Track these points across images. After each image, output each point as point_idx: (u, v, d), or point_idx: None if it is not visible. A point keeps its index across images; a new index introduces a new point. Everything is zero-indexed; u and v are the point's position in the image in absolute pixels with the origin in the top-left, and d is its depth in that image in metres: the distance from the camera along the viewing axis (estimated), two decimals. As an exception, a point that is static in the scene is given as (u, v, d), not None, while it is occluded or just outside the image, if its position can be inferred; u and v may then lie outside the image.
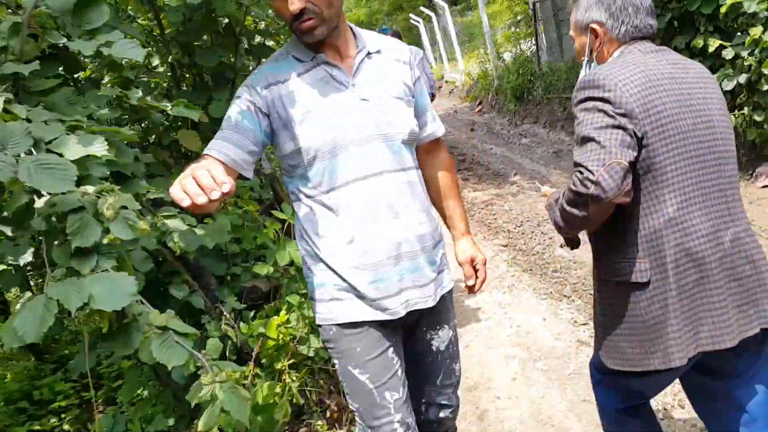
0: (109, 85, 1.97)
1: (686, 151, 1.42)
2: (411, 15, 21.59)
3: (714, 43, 4.72)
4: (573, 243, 1.73)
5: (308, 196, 1.53)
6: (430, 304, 1.58)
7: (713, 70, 4.94)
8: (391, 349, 1.54)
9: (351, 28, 1.58)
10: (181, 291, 1.96)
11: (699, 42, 4.91)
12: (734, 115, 4.78)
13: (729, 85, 4.73)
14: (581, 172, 1.35)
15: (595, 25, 1.59)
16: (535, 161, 7.78)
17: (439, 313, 1.65)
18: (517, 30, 10.55)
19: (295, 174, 1.54)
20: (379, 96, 1.53)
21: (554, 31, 10.06)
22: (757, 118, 4.65)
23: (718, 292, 1.42)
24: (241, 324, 2.14)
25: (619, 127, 1.36)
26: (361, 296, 1.50)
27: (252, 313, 2.29)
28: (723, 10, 4.67)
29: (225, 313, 2.06)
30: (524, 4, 10.35)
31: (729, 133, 1.51)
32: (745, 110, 4.72)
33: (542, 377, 3.07)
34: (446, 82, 17.83)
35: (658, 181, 1.41)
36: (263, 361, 2.18)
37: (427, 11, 18.15)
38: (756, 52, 4.52)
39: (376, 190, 1.49)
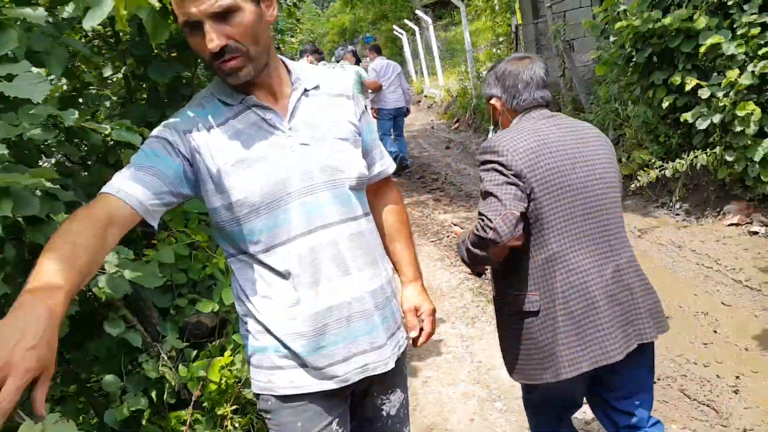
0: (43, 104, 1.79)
1: (569, 201, 1.71)
2: (395, 27, 21.56)
3: (691, 82, 4.72)
4: (478, 274, 2.10)
5: (245, 254, 1.37)
6: (390, 366, 1.44)
7: (688, 108, 4.95)
8: (336, 420, 1.40)
9: (284, 63, 1.42)
10: (116, 327, 1.79)
11: (676, 79, 4.90)
12: (706, 153, 4.78)
13: (703, 124, 4.73)
14: (482, 220, 1.66)
15: (493, 100, 1.92)
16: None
17: (394, 376, 1.50)
18: (498, 51, 10.55)
19: (228, 231, 1.36)
20: (320, 139, 1.36)
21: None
22: (728, 158, 4.65)
23: (604, 316, 1.70)
24: (181, 366, 1.98)
25: (512, 184, 1.68)
26: (304, 365, 1.35)
27: (195, 352, 2.13)
28: (702, 50, 4.68)
29: (163, 354, 1.90)
30: (507, 26, 10.36)
31: (613, 184, 1.80)
32: (717, 149, 4.72)
33: (501, 418, 2.96)
34: (425, 96, 17.79)
35: (545, 227, 1.71)
36: (204, 404, 2.02)
37: (411, 24, 18.12)
38: (731, 93, 4.52)
39: (323, 245, 1.34)
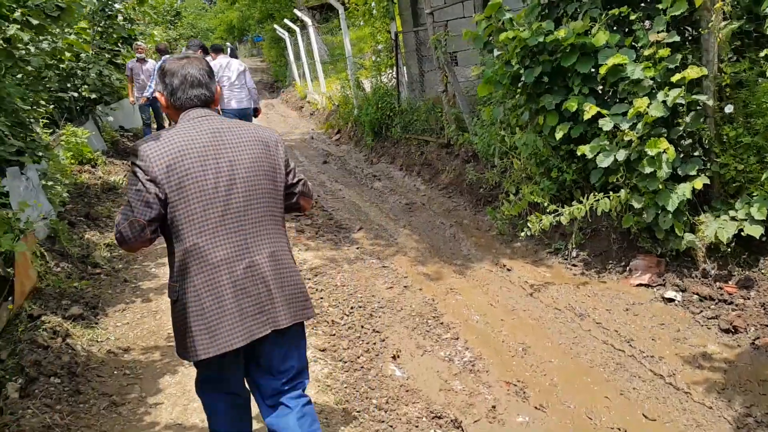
0: None
1: (202, 204, 1.91)
2: (276, 27, 20.15)
3: (591, 110, 3.88)
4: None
5: None
6: None
7: (586, 140, 4.13)
8: None
9: None
10: None
11: (572, 105, 4.06)
12: (609, 197, 3.96)
13: (605, 161, 3.90)
14: (116, 223, 1.94)
15: (158, 95, 2.12)
16: (385, 213, 6.70)
17: None
18: (378, 59, 9.55)
19: None
20: None
21: (416, 66, 9.19)
22: (635, 204, 3.85)
23: (230, 308, 1.92)
24: None
25: (143, 191, 1.88)
26: None
27: None
28: (602, 71, 3.85)
29: None
30: (386, 32, 9.39)
31: (259, 186, 2.00)
32: (622, 193, 3.91)
33: None
34: (308, 102, 16.54)
35: (181, 227, 1.92)
36: None
37: (292, 25, 16.82)
38: (639, 126, 3.72)
39: None
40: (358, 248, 5.55)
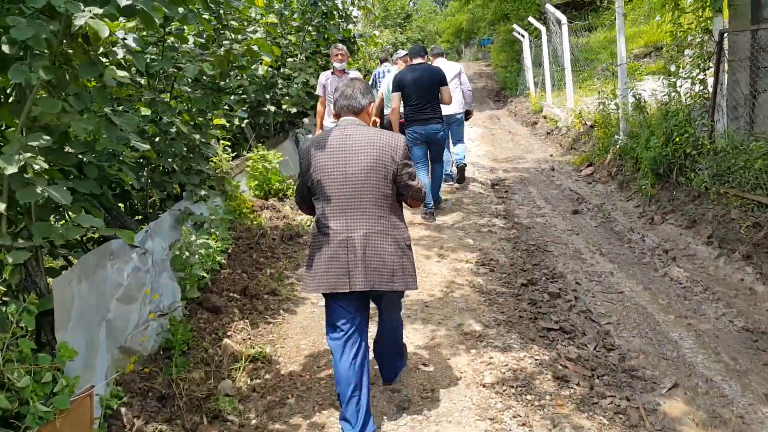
0: None
1: (326, 191, 2.70)
2: (515, 26, 17.53)
3: None
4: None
5: None
6: None
7: None
8: None
9: None
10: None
11: None
12: None
13: None
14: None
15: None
16: (710, 347, 3.76)
17: None
18: (683, 70, 6.40)
19: None
20: None
21: (746, 83, 5.88)
22: None
23: (323, 264, 2.69)
24: None
25: (301, 174, 2.83)
26: None
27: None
28: None
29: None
30: (703, 30, 6.19)
31: (366, 182, 2.69)
32: None
33: None
34: (545, 118, 13.62)
35: (317, 205, 2.78)
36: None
37: (538, 24, 14.07)
38: None
39: None
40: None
